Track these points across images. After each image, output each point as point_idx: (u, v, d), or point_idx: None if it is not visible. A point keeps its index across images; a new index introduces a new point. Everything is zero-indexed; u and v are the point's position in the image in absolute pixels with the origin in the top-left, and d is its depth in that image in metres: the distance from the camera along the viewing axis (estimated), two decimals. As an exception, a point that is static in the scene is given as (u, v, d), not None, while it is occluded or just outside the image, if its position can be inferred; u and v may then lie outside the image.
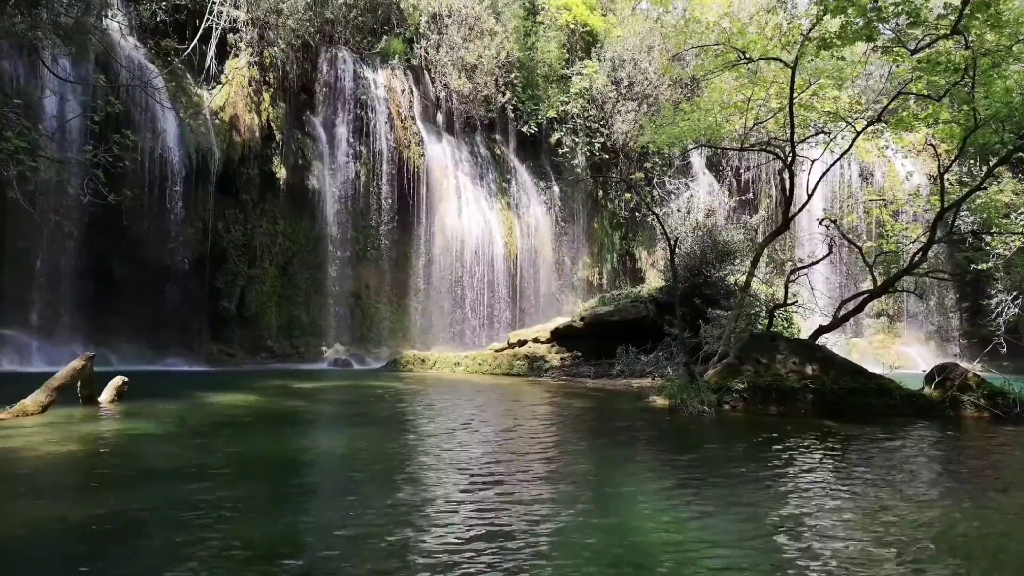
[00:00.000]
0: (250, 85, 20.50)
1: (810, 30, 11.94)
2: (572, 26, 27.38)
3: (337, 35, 23.03)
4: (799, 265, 15.32)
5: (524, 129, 26.24)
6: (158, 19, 19.18)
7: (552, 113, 26.28)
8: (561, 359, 17.79)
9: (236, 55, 20.53)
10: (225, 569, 3.58)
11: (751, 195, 28.89)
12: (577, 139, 26.65)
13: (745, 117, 14.29)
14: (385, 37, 24.23)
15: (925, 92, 12.08)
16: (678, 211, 20.41)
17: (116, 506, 4.66)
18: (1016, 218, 16.53)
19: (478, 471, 5.95)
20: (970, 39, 10.47)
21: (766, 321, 13.96)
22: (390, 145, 22.74)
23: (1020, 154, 12.37)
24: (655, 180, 26.73)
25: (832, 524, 4.59)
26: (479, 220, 24.16)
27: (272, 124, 20.98)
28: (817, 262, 14.73)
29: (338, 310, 21.82)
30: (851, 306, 13.85)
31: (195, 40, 19.58)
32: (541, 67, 26.77)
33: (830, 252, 14.77)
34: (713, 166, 29.23)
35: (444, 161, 24.12)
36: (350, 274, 22.18)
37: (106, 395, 9.38)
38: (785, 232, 17.81)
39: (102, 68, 16.82)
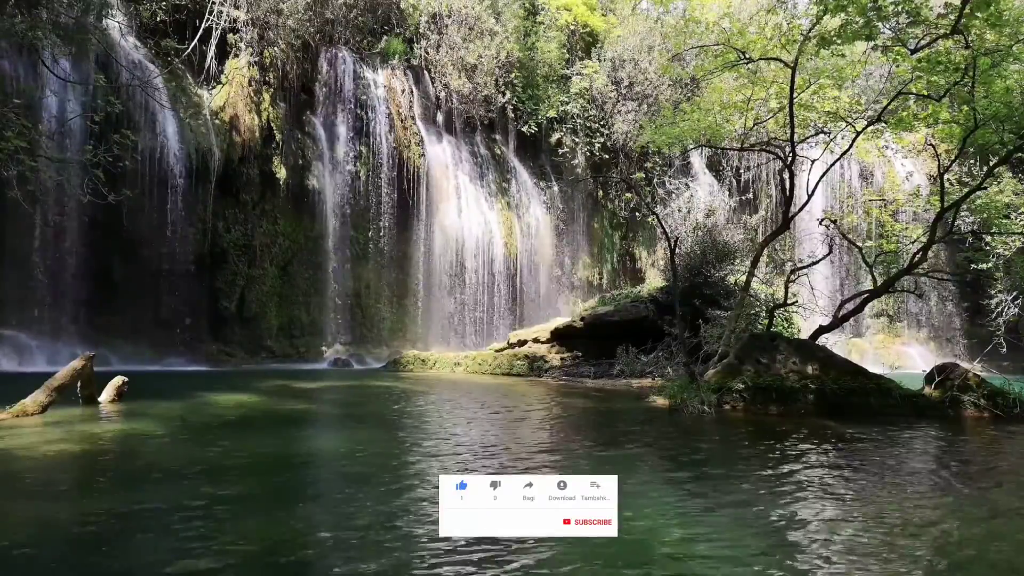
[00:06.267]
0: (250, 85, 20.49)
1: (810, 30, 11.94)
2: (572, 26, 27.37)
3: (337, 35, 23.02)
4: (799, 265, 15.31)
5: (524, 129, 26.22)
6: (158, 19, 19.17)
7: (552, 113, 26.26)
8: (561, 359, 17.79)
9: (236, 55, 20.53)
10: (225, 569, 3.58)
11: (751, 195, 28.88)
12: (577, 139, 26.64)
13: (745, 117, 14.28)
14: (385, 37, 24.22)
15: (925, 92, 12.08)
16: (678, 211, 20.40)
17: (116, 506, 4.66)
18: (1016, 218, 16.51)
19: (478, 471, 5.94)
20: (970, 39, 10.47)
21: (766, 321, 13.95)
22: (390, 145, 22.74)
23: (1020, 154, 12.35)
24: (655, 180, 26.72)
25: (832, 525, 4.59)
26: (479, 220, 24.14)
27: (272, 124, 20.98)
28: (817, 262, 14.73)
29: (338, 310, 21.82)
30: (851, 306, 13.85)
31: (195, 40, 19.56)
32: (541, 67, 26.74)
33: (830, 252, 14.76)
34: (713, 166, 29.22)
35: (444, 161, 24.11)
36: (350, 274, 22.16)
37: (106, 395, 9.38)
38: (785, 232, 17.81)
39: (102, 68, 16.80)
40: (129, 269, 17.90)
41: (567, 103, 26.53)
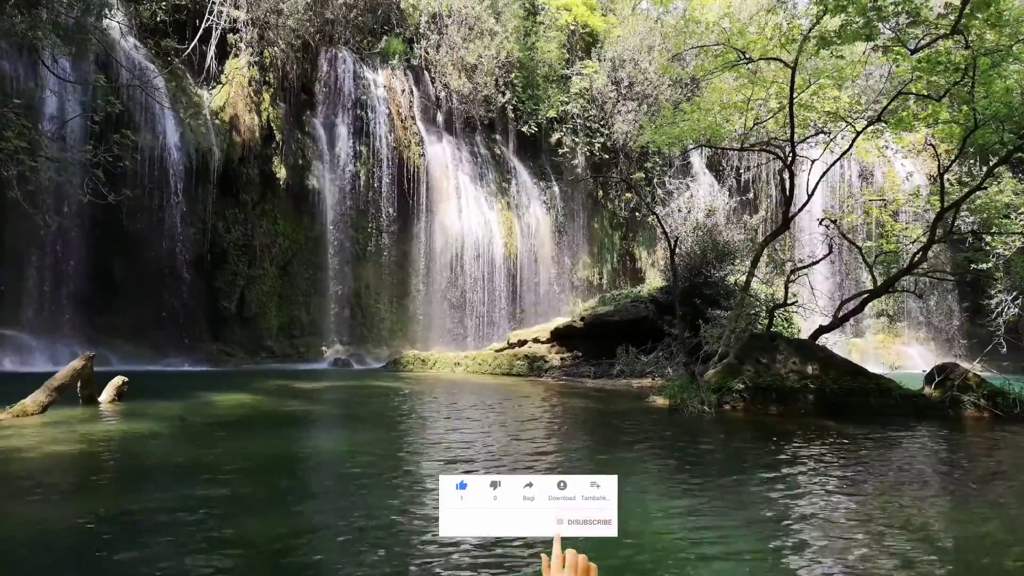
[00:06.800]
0: (250, 85, 20.49)
1: (810, 30, 11.94)
2: (572, 26, 27.37)
3: (337, 35, 23.02)
4: (799, 265, 15.31)
5: (524, 129, 26.22)
6: (158, 19, 19.17)
7: (552, 113, 26.26)
8: (561, 359, 17.79)
9: (236, 55, 20.52)
10: (225, 568, 3.58)
11: (751, 195, 28.87)
12: (577, 139, 26.64)
13: (745, 117, 14.28)
14: (385, 37, 24.22)
15: (925, 92, 12.08)
16: (678, 211, 20.39)
17: (116, 506, 4.66)
18: (1016, 218, 16.50)
19: (479, 472, 5.94)
20: (970, 39, 10.47)
21: (766, 321, 13.95)
22: (390, 145, 22.73)
23: (1020, 154, 12.35)
24: (655, 180, 26.70)
25: (834, 527, 4.59)
26: (479, 220, 24.14)
27: (272, 124, 20.97)
28: (817, 262, 14.74)
29: (338, 310, 21.80)
30: (851, 306, 13.85)
31: (195, 40, 19.57)
32: (541, 67, 26.74)
33: (830, 252, 14.77)
34: (713, 166, 29.21)
35: (444, 161, 24.11)
36: (350, 274, 22.15)
37: (106, 395, 9.38)
38: (785, 232, 17.80)
39: (102, 68, 16.80)
40: (129, 269, 17.90)
41: (567, 103, 26.53)
